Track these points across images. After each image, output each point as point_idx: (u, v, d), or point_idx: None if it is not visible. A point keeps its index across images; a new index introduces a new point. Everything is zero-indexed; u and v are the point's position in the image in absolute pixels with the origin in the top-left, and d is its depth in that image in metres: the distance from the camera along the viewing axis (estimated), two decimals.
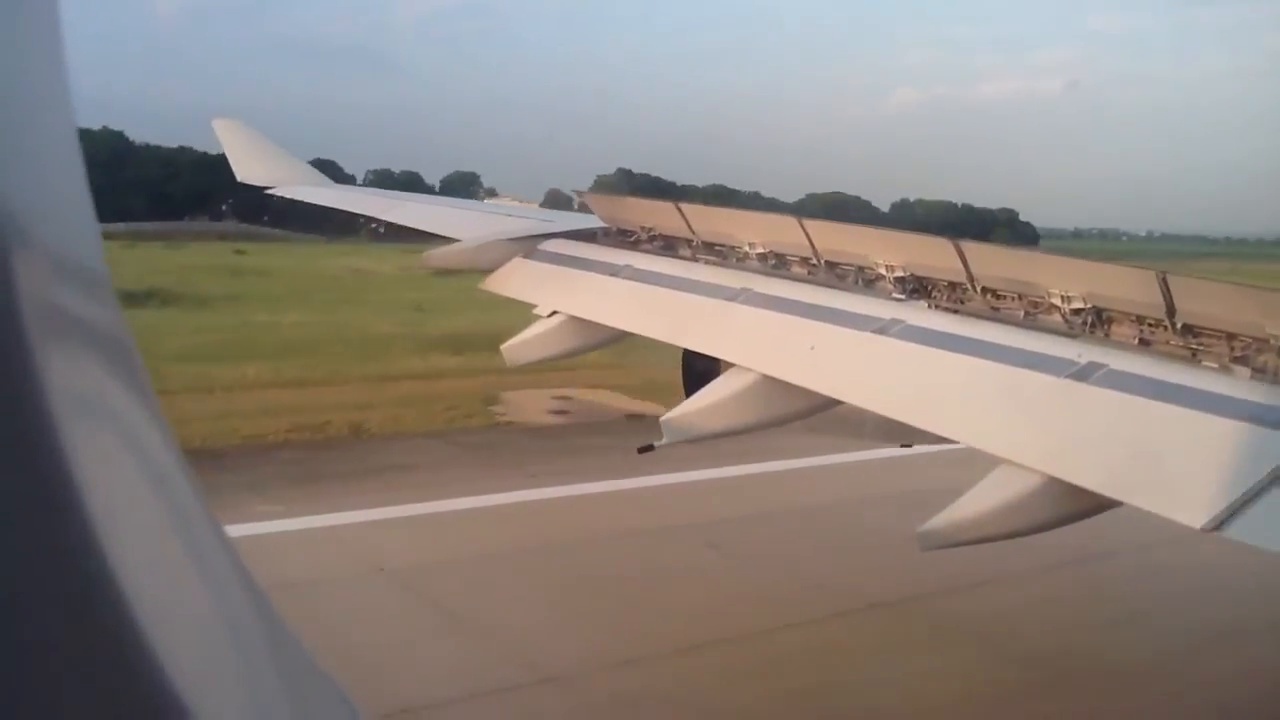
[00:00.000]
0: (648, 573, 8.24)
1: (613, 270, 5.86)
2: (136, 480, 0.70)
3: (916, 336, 4.28)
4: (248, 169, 10.20)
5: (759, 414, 4.59)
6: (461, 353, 18.26)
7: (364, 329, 22.08)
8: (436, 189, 73.97)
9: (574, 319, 5.73)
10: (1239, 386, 3.42)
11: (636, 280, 5.70)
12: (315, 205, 9.81)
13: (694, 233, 5.86)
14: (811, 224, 5.24)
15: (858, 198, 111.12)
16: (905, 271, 4.74)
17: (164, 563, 0.69)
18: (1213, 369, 3.60)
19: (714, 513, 9.70)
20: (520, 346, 5.90)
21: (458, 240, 6.94)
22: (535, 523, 9.39)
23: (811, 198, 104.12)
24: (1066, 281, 4.15)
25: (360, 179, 63.14)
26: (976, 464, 3.66)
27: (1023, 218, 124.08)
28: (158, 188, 71.45)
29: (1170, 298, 3.73)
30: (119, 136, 76.28)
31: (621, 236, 6.33)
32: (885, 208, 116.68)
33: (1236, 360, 3.57)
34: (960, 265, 4.44)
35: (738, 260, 5.62)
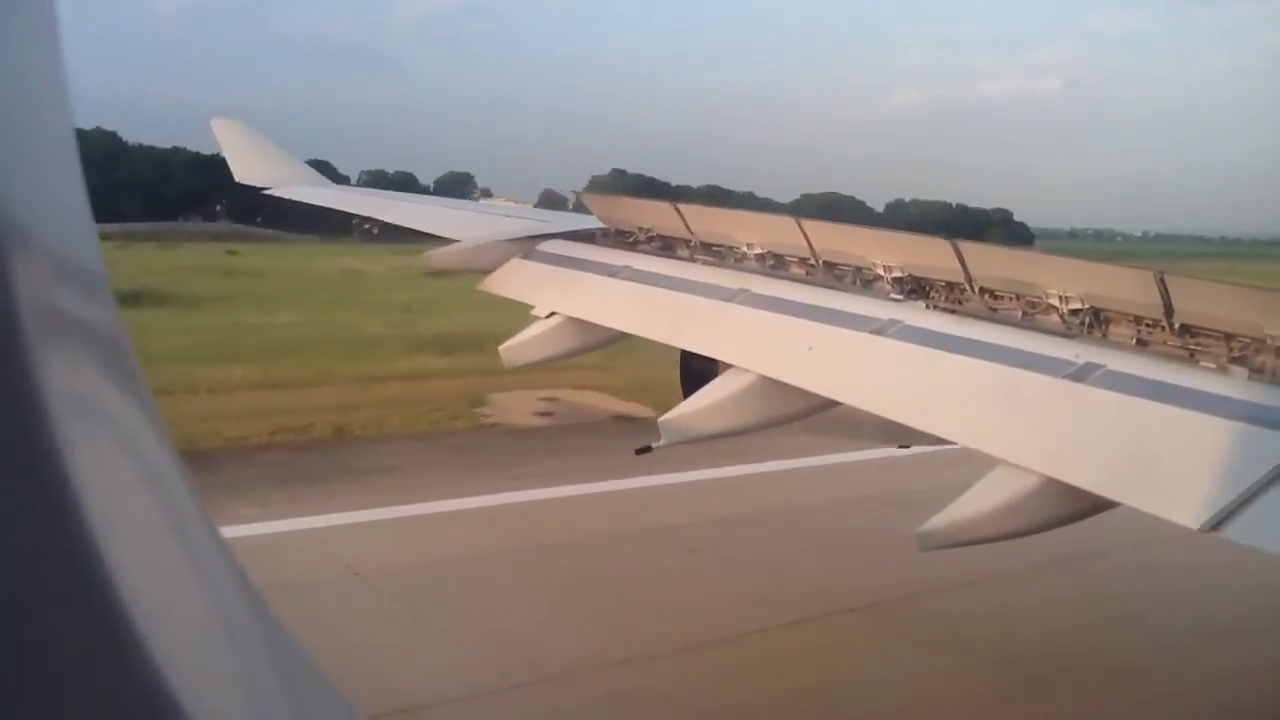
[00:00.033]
0: (637, 574, 8.19)
1: (611, 271, 5.86)
2: (133, 481, 0.69)
3: (914, 337, 4.28)
4: (246, 169, 10.17)
5: (757, 415, 4.59)
6: (450, 354, 18.19)
7: (353, 330, 21.95)
8: (431, 189, 73.85)
9: (572, 320, 5.73)
10: (1236, 387, 3.42)
11: (635, 281, 5.70)
12: (309, 205, 9.77)
13: (692, 233, 5.86)
14: (809, 224, 5.24)
15: (852, 198, 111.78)
16: (903, 272, 4.74)
17: (161, 563, 0.69)
18: (1210, 369, 3.61)
19: (714, 513, 9.68)
20: (519, 347, 5.89)
21: (457, 241, 6.94)
22: (520, 525, 9.32)
23: (806, 198, 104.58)
24: (1064, 282, 4.15)
25: (354, 179, 63.09)
26: (975, 465, 3.66)
27: (1017, 218, 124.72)
28: (151, 188, 71.38)
29: (1168, 298, 3.73)
30: (112, 136, 76.25)
31: (620, 237, 6.33)
32: (880, 208, 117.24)
33: (1234, 360, 3.58)
34: (958, 266, 4.44)
35: (736, 261, 5.62)
